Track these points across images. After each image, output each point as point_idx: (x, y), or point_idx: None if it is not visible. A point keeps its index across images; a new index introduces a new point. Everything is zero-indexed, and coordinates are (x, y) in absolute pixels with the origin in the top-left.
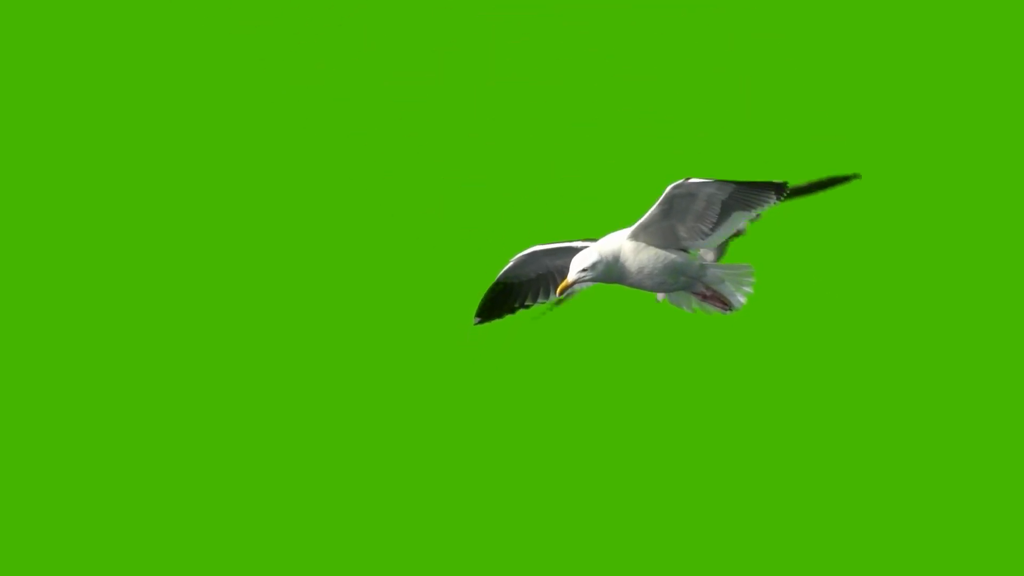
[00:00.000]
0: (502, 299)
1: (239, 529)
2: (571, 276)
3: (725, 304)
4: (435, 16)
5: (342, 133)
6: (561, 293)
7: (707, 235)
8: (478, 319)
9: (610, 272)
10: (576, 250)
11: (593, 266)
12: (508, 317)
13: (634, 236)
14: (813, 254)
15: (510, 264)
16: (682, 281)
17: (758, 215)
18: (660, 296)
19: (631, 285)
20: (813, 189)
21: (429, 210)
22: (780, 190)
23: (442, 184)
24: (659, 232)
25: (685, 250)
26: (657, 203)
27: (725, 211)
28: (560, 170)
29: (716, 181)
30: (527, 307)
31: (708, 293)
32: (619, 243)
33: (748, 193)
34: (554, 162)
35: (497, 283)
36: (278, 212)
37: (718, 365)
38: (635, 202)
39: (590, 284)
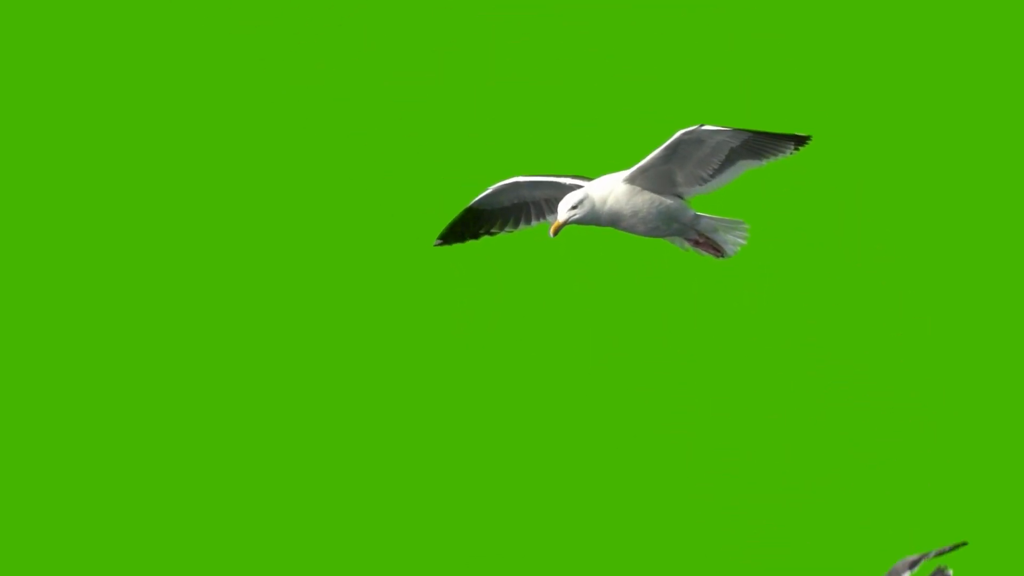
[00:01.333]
0: (469, 223)
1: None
2: (561, 216)
3: (718, 250)
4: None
5: (340, 131)
6: (554, 235)
7: (705, 182)
8: (439, 240)
9: (601, 214)
10: (562, 185)
11: (583, 205)
12: (471, 243)
13: (630, 179)
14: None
15: (487, 191)
16: (675, 228)
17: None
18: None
19: (624, 229)
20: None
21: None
22: (800, 142)
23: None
24: (656, 176)
25: (680, 196)
26: (662, 147)
27: (730, 159)
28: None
29: (731, 129)
30: (492, 234)
31: (701, 240)
32: (613, 184)
33: (764, 142)
34: (545, 151)
35: (468, 209)
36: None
37: (707, 313)
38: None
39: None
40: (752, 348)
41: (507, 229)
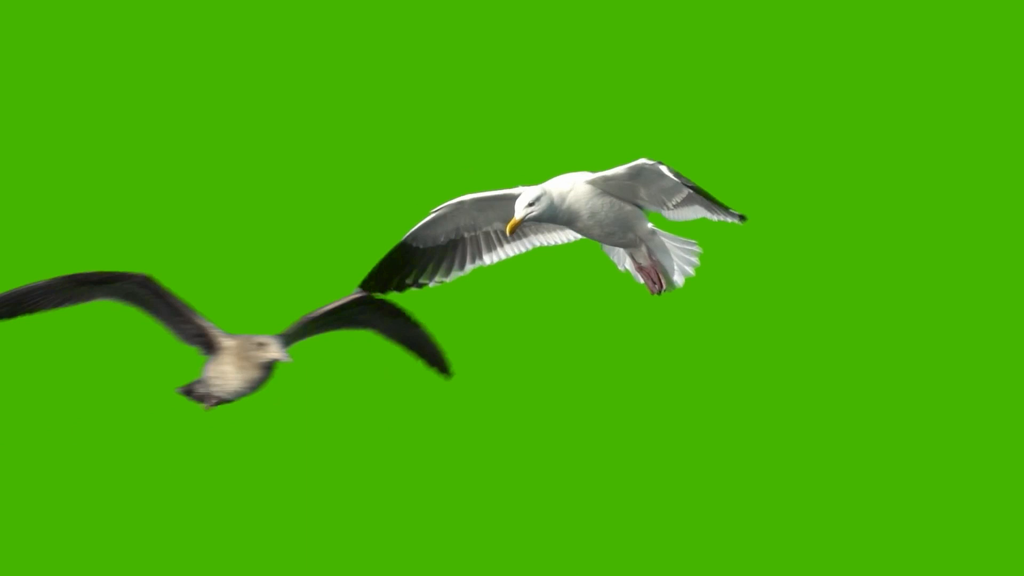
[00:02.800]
0: (394, 267)
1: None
2: (518, 213)
3: (656, 283)
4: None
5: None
6: (511, 233)
7: (668, 210)
8: (357, 291)
9: (558, 212)
10: (514, 196)
11: (540, 203)
12: (393, 295)
13: (594, 182)
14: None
15: (426, 219)
16: (629, 238)
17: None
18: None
19: (578, 231)
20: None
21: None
22: (740, 219)
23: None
24: (619, 187)
25: (640, 208)
26: (626, 166)
27: (690, 200)
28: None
29: (680, 179)
30: (420, 286)
31: (646, 264)
32: (574, 183)
33: (708, 204)
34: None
35: (399, 245)
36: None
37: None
38: None
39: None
40: (736, 363)
41: (437, 279)
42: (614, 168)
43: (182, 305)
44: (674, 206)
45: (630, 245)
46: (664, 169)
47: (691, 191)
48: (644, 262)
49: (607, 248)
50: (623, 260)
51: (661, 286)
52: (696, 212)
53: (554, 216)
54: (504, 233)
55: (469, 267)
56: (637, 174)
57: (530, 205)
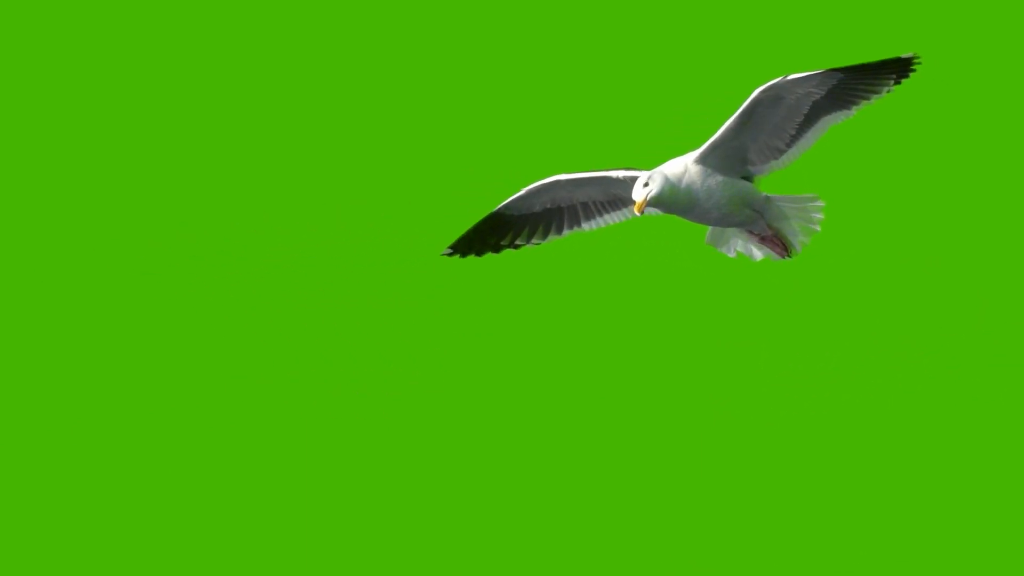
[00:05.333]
0: (491, 232)
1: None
2: (637, 195)
3: (784, 248)
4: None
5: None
6: (640, 213)
7: (780, 153)
8: (449, 250)
9: (677, 198)
10: (613, 179)
11: (655, 181)
12: (489, 256)
13: (702, 159)
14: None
15: (519, 193)
16: (746, 214)
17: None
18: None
19: (695, 218)
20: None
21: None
22: (905, 67)
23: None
24: (726, 154)
25: (750, 178)
26: (736, 115)
27: (810, 119)
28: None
29: (822, 72)
30: (516, 247)
31: (768, 234)
32: (684, 166)
33: (859, 80)
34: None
35: (493, 214)
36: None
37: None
38: None
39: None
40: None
41: (534, 241)
42: (719, 130)
43: None
44: (788, 142)
45: (748, 221)
46: (793, 78)
47: (819, 91)
48: (764, 232)
49: (712, 238)
50: (733, 245)
51: (786, 251)
52: (822, 128)
53: (674, 200)
54: (603, 204)
55: (567, 232)
56: (748, 119)
57: (646, 186)
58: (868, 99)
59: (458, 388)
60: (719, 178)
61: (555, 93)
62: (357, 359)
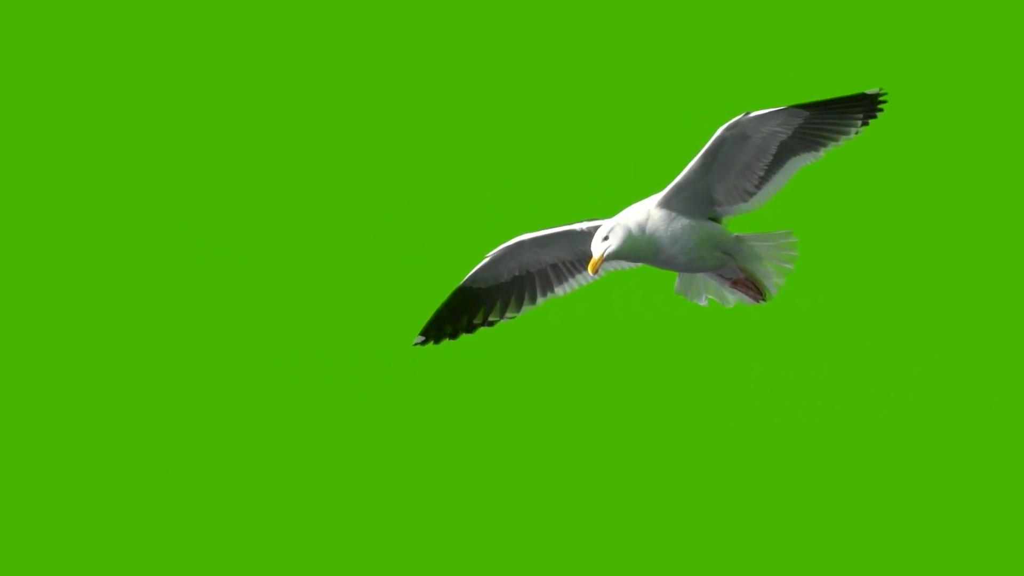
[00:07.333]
0: (459, 310)
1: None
2: (595, 250)
3: (758, 291)
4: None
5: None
6: (594, 272)
7: (750, 195)
8: (420, 338)
9: (639, 247)
10: (578, 233)
11: (616, 234)
12: (463, 337)
13: (664, 203)
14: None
15: (483, 262)
16: (716, 257)
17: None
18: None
19: (662, 264)
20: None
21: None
22: (872, 104)
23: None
24: (692, 196)
25: (717, 220)
26: (700, 154)
27: (779, 159)
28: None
29: (786, 109)
30: (491, 324)
31: (740, 276)
32: (647, 212)
33: (825, 119)
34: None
35: (457, 290)
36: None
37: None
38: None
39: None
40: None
41: (508, 315)
42: (683, 172)
43: None
44: (756, 184)
45: (718, 264)
46: (755, 115)
47: (785, 131)
48: (735, 275)
49: (682, 287)
50: (702, 293)
51: (760, 294)
52: (790, 171)
53: (636, 250)
54: (573, 264)
55: (541, 300)
56: (712, 159)
57: (605, 239)
58: (836, 140)
59: (458, 388)
60: (684, 221)
61: (514, 133)
62: (356, 359)
